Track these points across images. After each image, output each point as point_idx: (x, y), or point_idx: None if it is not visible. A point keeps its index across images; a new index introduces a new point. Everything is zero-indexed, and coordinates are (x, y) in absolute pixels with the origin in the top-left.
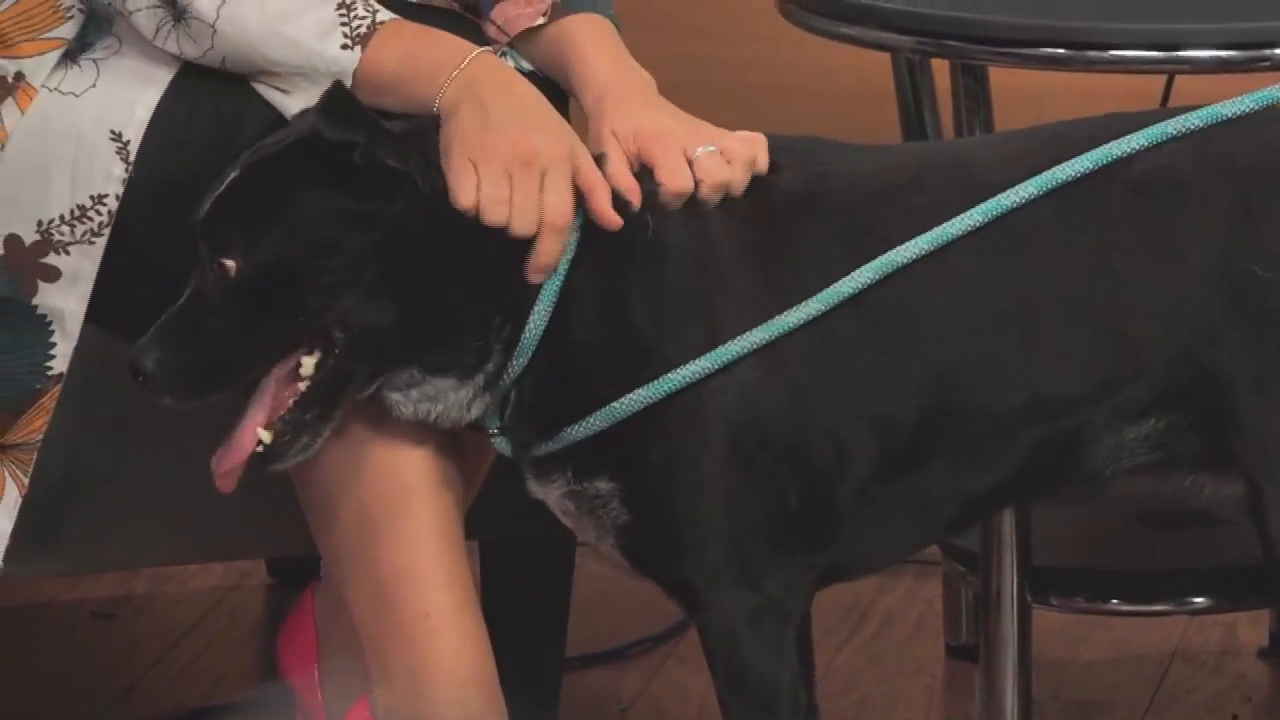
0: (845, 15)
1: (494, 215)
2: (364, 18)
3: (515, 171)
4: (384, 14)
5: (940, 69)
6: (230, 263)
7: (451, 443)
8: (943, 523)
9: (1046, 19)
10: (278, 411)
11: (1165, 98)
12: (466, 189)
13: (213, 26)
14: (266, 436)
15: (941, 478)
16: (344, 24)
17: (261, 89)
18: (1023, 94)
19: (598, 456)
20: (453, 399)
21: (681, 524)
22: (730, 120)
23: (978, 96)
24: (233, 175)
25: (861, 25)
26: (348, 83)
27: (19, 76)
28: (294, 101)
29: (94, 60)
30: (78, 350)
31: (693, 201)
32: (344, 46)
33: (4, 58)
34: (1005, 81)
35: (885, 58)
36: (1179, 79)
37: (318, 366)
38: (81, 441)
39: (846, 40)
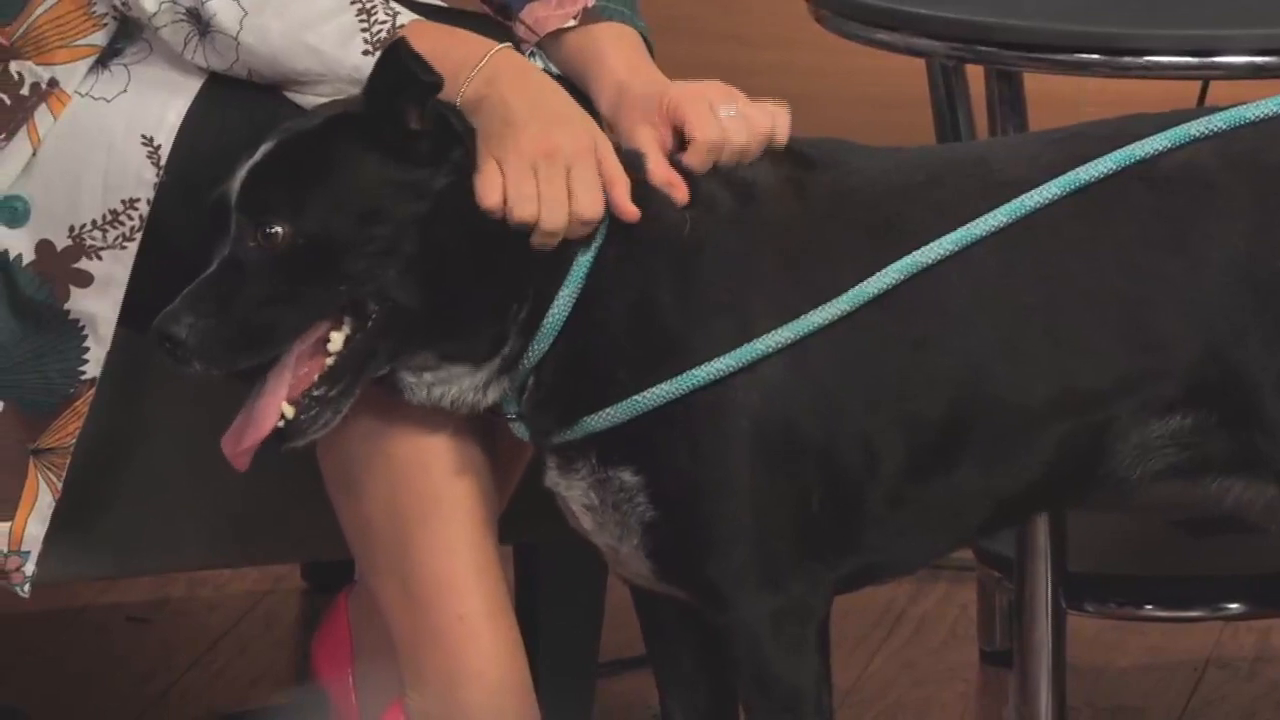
0: (880, 21)
1: (522, 211)
2: (384, 22)
3: (540, 166)
4: (405, 16)
5: (975, 74)
6: (277, 230)
7: (485, 447)
8: (973, 524)
9: (1081, 24)
10: (299, 388)
11: (1200, 103)
12: (492, 187)
13: (236, 39)
14: (289, 411)
15: (970, 477)
16: (364, 29)
17: (292, 95)
18: (1057, 99)
19: (622, 445)
20: (466, 383)
21: (709, 522)
22: None
23: (1012, 102)
24: (270, 145)
25: (896, 31)
26: None
27: (52, 83)
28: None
29: (125, 66)
30: (111, 354)
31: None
32: (365, 53)
33: (38, 64)
34: (1040, 87)
35: (920, 63)
36: (1214, 84)
37: (346, 341)
38: (116, 446)
39: (881, 46)
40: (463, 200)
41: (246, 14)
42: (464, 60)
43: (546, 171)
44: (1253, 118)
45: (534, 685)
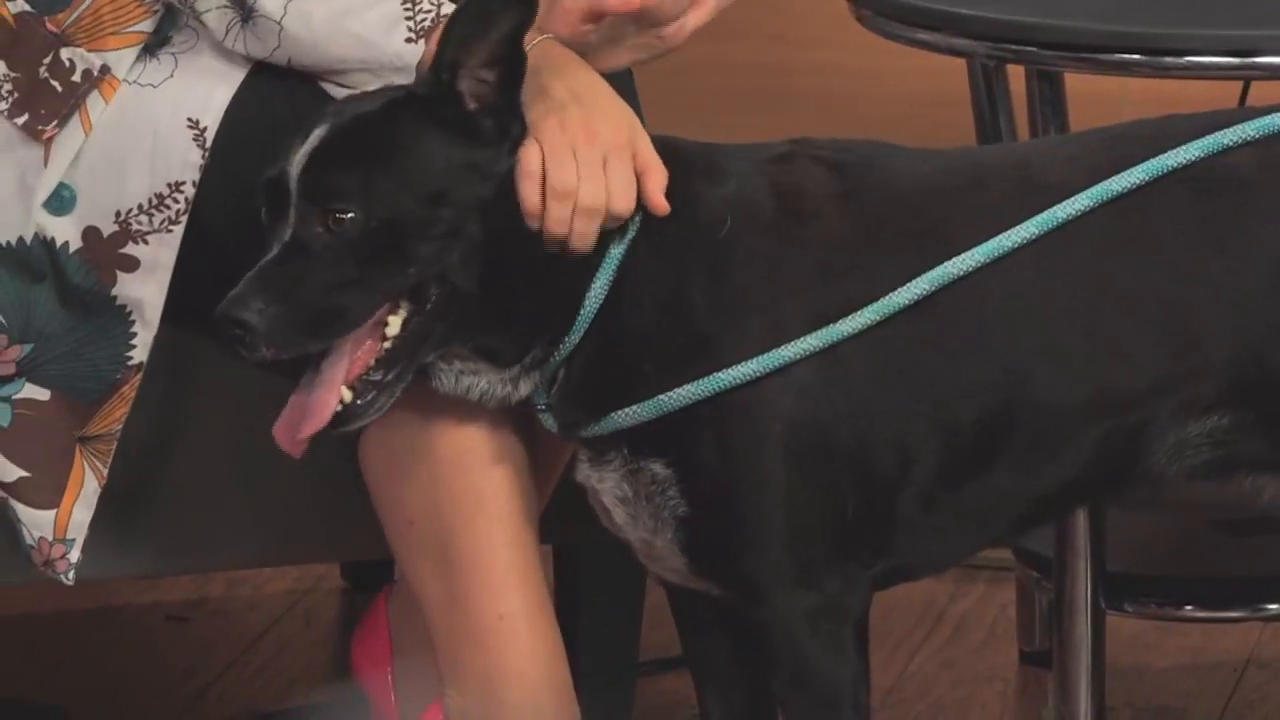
0: (921, 21)
1: (561, 184)
2: (429, 11)
3: (579, 149)
4: (449, 5)
5: (1015, 74)
6: (347, 214)
7: (525, 446)
8: (1008, 523)
9: (1122, 24)
10: (354, 372)
11: (1241, 104)
12: (532, 164)
13: (279, 24)
14: (348, 396)
15: (1005, 479)
16: (409, 17)
17: (328, 86)
18: (1098, 99)
19: (653, 438)
20: (495, 376)
21: (743, 520)
22: (807, 125)
23: (1053, 102)
24: (328, 129)
25: (937, 31)
26: (413, 75)
27: (104, 69)
28: None
29: (173, 54)
30: (158, 349)
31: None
32: (408, 40)
33: (89, 50)
34: (1081, 87)
35: (960, 63)
36: (1255, 84)
37: (403, 325)
38: (158, 443)
39: (922, 46)
40: None
41: (291, 0)
42: None
43: (585, 155)
44: None
45: (574, 684)
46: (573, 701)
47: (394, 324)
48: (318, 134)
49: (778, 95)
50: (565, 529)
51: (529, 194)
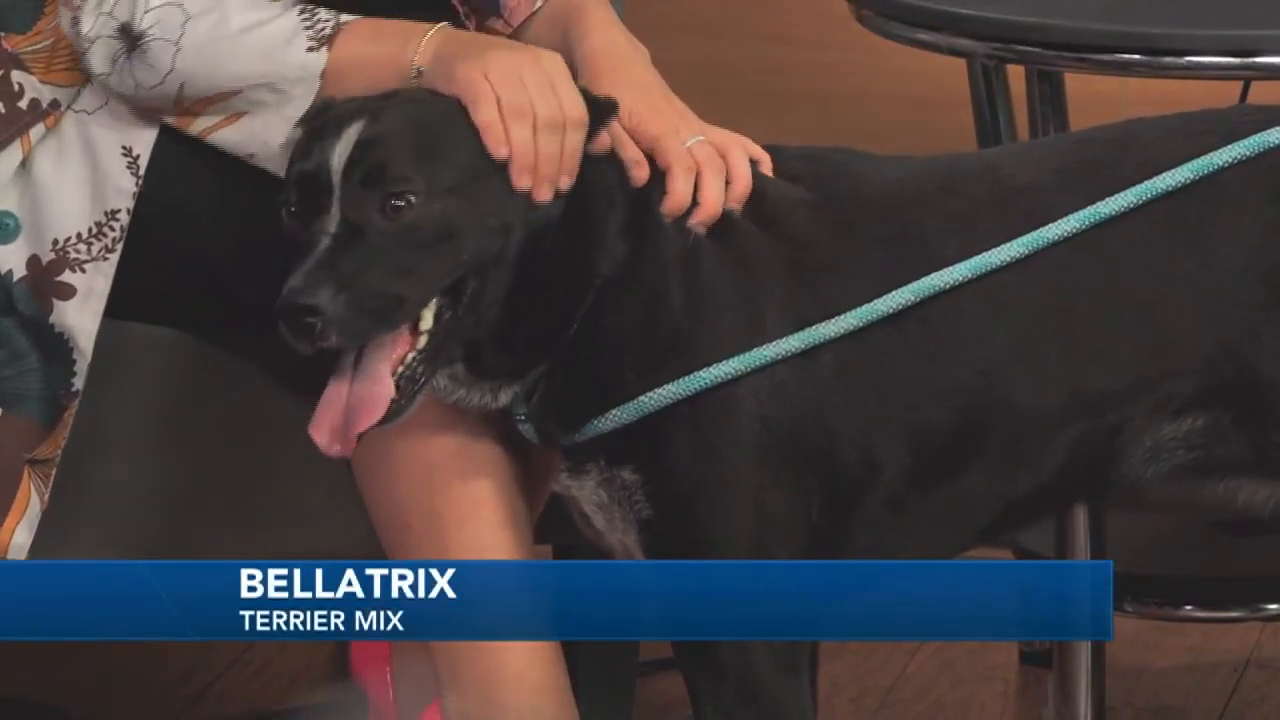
0: (921, 21)
1: (517, 108)
2: (327, 20)
3: (525, 72)
4: (347, 15)
5: (1016, 74)
6: (408, 200)
7: (520, 450)
8: (980, 526)
9: (1122, 24)
10: (394, 367)
11: (1241, 103)
12: (485, 95)
13: (176, 44)
14: (392, 391)
15: (979, 483)
16: (308, 28)
17: (219, 137)
18: (1098, 100)
19: (626, 444)
20: (475, 385)
21: (704, 523)
22: (806, 125)
23: (1053, 102)
24: (371, 120)
25: (937, 31)
26: (316, 85)
27: (54, 104)
28: (257, 131)
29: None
30: (155, 349)
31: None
32: (310, 49)
33: (43, 82)
34: (1081, 87)
35: (961, 63)
36: (1255, 84)
37: (435, 319)
38: (155, 444)
39: (922, 46)
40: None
41: (189, 19)
42: (409, 34)
43: (531, 75)
44: (1276, 142)
45: (573, 686)
46: (571, 703)
47: (427, 318)
48: (357, 127)
49: (777, 95)
50: (565, 529)
51: (486, 113)
